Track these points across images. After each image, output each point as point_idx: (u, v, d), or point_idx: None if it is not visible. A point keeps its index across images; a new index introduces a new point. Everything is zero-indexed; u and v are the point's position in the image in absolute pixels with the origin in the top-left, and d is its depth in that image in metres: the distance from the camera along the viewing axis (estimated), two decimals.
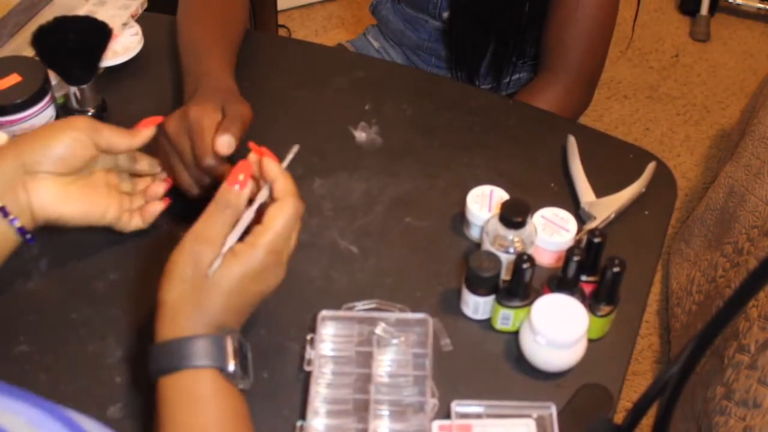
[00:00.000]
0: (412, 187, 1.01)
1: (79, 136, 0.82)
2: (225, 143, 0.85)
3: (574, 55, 1.22)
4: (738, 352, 1.30)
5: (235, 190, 0.73)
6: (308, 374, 0.80)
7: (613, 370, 0.84)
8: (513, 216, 0.84)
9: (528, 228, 0.86)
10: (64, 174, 0.82)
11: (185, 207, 0.87)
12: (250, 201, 0.75)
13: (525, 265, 0.80)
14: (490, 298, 0.85)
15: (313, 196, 0.97)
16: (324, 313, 0.84)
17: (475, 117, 1.10)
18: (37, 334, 0.84)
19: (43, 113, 0.98)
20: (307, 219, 0.96)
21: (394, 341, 0.83)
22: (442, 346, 0.85)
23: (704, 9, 2.67)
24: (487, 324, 0.87)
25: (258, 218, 0.74)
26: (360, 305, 0.87)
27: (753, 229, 1.60)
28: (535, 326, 0.79)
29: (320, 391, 0.79)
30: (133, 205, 0.90)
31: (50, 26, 0.95)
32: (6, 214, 0.79)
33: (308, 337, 0.82)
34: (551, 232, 0.90)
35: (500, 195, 0.93)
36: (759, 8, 2.73)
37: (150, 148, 0.89)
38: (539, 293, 0.84)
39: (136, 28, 1.15)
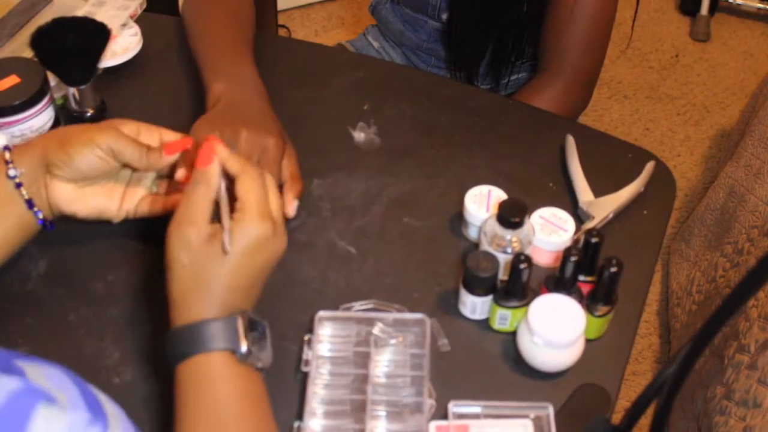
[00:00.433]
0: (410, 188, 1.01)
1: (103, 155, 0.82)
2: (295, 207, 0.93)
3: (572, 55, 1.22)
4: (738, 352, 1.30)
5: (200, 169, 0.74)
6: (306, 375, 0.80)
7: (611, 370, 0.84)
8: (511, 216, 0.84)
9: (526, 228, 0.86)
10: (82, 181, 0.84)
11: None
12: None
13: (522, 266, 0.80)
14: (488, 299, 0.85)
15: (311, 197, 0.97)
16: (321, 313, 0.84)
17: (474, 117, 1.10)
18: (35, 336, 0.85)
19: (42, 114, 0.98)
20: (305, 219, 0.96)
21: (392, 341, 0.83)
22: (439, 347, 0.85)
23: (704, 9, 2.66)
24: (484, 324, 0.87)
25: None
26: (357, 305, 0.87)
27: (753, 229, 1.60)
28: (532, 326, 0.79)
29: (317, 392, 0.79)
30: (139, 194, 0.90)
31: (49, 27, 0.95)
32: (32, 206, 0.82)
33: (306, 337, 0.83)
34: (549, 232, 0.90)
35: (498, 195, 0.93)
36: (759, 8, 2.73)
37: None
38: (537, 293, 0.84)
39: (135, 29, 1.15)
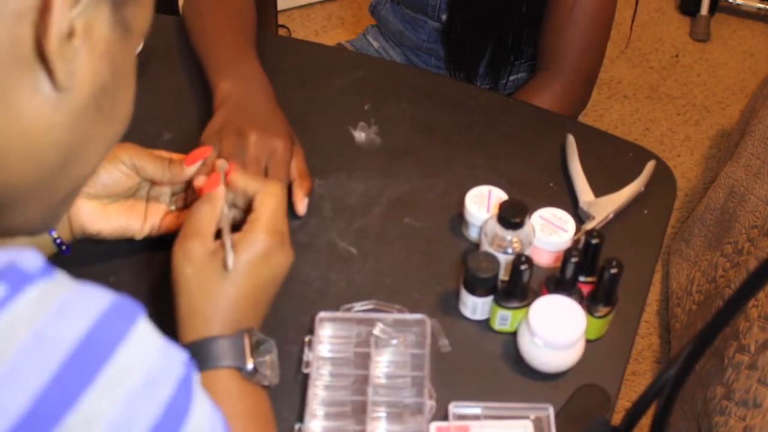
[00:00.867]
0: (411, 188, 1.01)
1: (126, 170, 0.83)
2: (306, 205, 0.95)
3: (571, 55, 1.22)
4: (738, 352, 1.30)
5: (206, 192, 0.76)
6: (306, 376, 0.80)
7: (611, 370, 0.84)
8: (511, 217, 0.84)
9: (526, 228, 0.86)
10: (106, 198, 0.84)
11: None
12: None
13: (523, 267, 0.80)
14: (489, 299, 0.85)
15: (312, 197, 0.97)
16: (322, 314, 0.84)
17: (474, 116, 1.10)
18: None
19: None
20: (306, 220, 0.96)
21: (393, 342, 0.83)
22: (440, 347, 0.85)
23: (704, 9, 2.66)
24: (485, 325, 0.87)
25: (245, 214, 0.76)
26: (358, 306, 0.87)
27: (753, 229, 1.60)
28: (533, 327, 0.79)
29: (318, 393, 0.79)
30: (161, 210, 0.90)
31: None
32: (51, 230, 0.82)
33: (306, 339, 0.82)
34: (549, 233, 0.90)
35: (499, 195, 0.93)
36: (759, 8, 2.73)
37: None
38: (537, 294, 0.84)
39: None
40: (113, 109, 0.54)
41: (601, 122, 2.39)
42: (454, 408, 0.78)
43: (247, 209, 0.78)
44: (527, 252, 0.85)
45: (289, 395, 0.81)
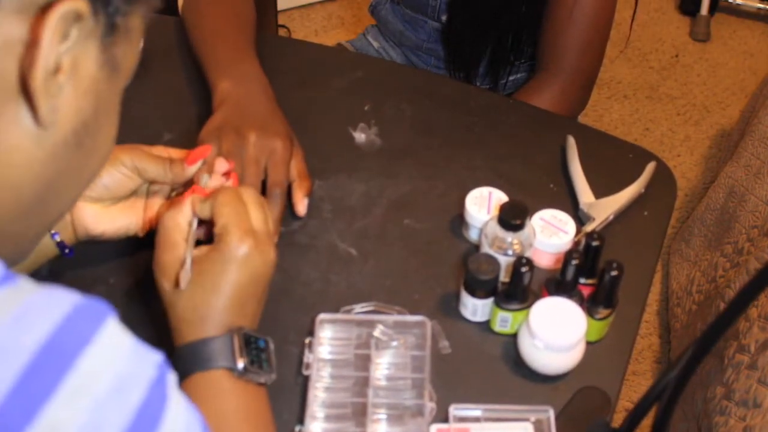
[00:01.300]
0: (411, 189, 1.01)
1: (128, 172, 0.83)
2: (305, 205, 0.95)
3: (570, 55, 1.22)
4: (738, 352, 1.30)
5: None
6: (306, 378, 0.80)
7: (611, 372, 0.84)
8: (512, 218, 0.84)
9: (527, 230, 0.86)
10: (108, 200, 0.84)
11: None
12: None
13: (524, 269, 0.80)
14: (489, 301, 0.85)
15: (311, 198, 0.97)
16: (322, 316, 0.84)
17: (474, 117, 1.10)
18: None
19: None
20: (306, 221, 0.96)
21: (393, 344, 0.83)
22: (440, 349, 0.85)
23: (704, 9, 2.66)
24: (485, 326, 0.87)
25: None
26: (358, 308, 0.87)
27: (753, 229, 1.60)
28: (533, 329, 0.79)
29: (318, 395, 0.79)
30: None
31: None
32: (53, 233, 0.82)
33: (306, 340, 0.82)
34: (550, 234, 0.89)
35: (499, 197, 0.93)
36: (759, 8, 2.73)
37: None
38: (538, 296, 0.84)
39: None
40: (93, 146, 0.53)
41: (601, 122, 2.39)
42: (454, 410, 0.78)
43: None
44: (527, 254, 0.85)
45: (289, 397, 0.80)
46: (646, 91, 2.51)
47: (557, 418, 0.78)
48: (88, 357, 0.45)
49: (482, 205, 0.92)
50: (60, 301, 0.47)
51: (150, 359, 0.49)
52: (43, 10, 0.45)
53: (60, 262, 0.86)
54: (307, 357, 0.81)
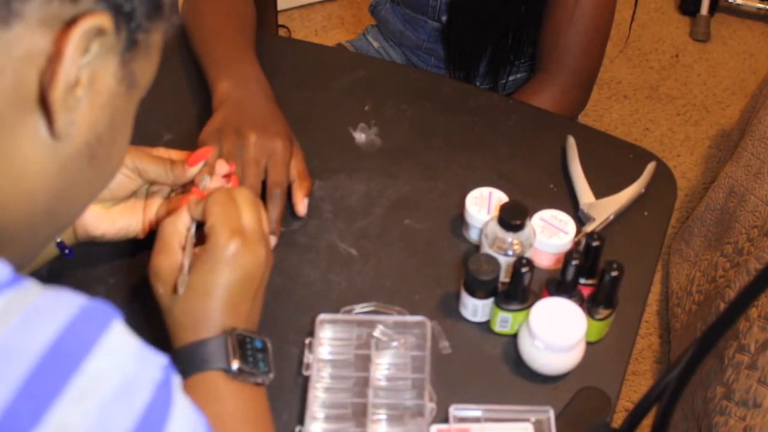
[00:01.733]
0: (411, 189, 1.01)
1: (128, 173, 0.83)
2: (306, 205, 0.96)
3: (570, 55, 1.22)
4: (738, 352, 1.30)
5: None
6: (307, 378, 0.80)
7: (611, 373, 0.84)
8: (512, 219, 0.84)
9: (527, 230, 0.86)
10: (109, 200, 0.84)
11: None
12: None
13: (524, 269, 0.80)
14: (489, 301, 0.85)
15: (312, 198, 0.97)
16: (322, 316, 0.84)
17: (474, 117, 1.10)
18: None
19: None
20: (306, 221, 0.96)
21: (393, 344, 0.83)
22: (440, 349, 0.85)
23: (704, 9, 2.66)
24: (485, 327, 0.87)
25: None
26: (358, 308, 0.87)
27: (753, 229, 1.60)
28: (533, 330, 0.79)
29: (318, 396, 0.79)
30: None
31: None
32: None
33: (306, 340, 0.82)
34: (550, 235, 0.89)
35: (499, 197, 0.93)
36: (759, 8, 2.73)
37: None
38: (538, 296, 0.84)
39: None
40: (106, 158, 0.54)
41: (601, 122, 2.39)
42: (454, 410, 0.78)
43: None
44: (528, 254, 0.85)
45: (289, 397, 0.80)
46: (646, 91, 2.51)
47: (557, 418, 0.78)
48: (95, 359, 0.45)
49: (482, 205, 0.92)
50: (66, 304, 0.47)
51: (155, 362, 0.49)
52: (68, 25, 0.45)
53: (60, 262, 0.86)
54: (307, 357, 0.81)
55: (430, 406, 0.78)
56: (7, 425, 0.43)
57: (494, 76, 1.37)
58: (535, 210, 0.91)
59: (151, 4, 0.50)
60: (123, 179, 0.83)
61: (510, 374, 0.84)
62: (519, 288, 0.82)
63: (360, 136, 1.06)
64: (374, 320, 0.84)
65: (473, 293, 0.84)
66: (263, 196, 0.91)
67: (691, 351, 0.50)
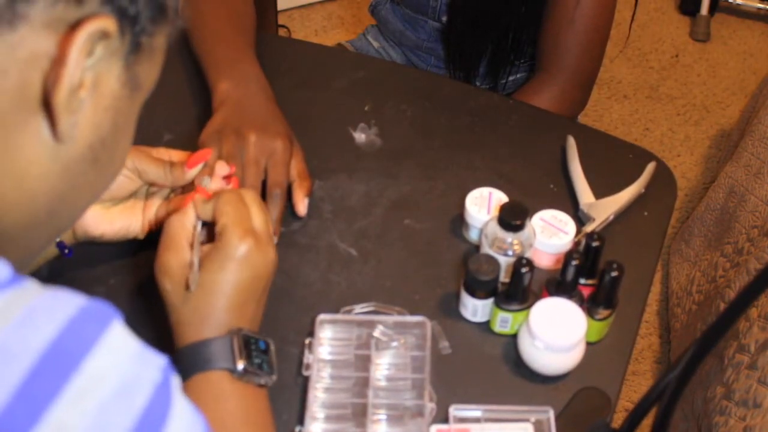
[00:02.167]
0: (411, 189, 1.01)
1: (128, 173, 0.83)
2: (306, 205, 0.95)
3: (570, 56, 1.22)
4: (738, 352, 1.30)
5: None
6: (306, 378, 0.80)
7: (611, 373, 0.84)
8: (512, 219, 0.84)
9: (527, 230, 0.86)
10: (108, 201, 0.84)
11: None
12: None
13: (524, 269, 0.80)
14: (489, 301, 0.85)
15: (312, 198, 0.97)
16: (322, 316, 0.84)
17: (474, 117, 1.10)
18: None
19: None
20: (306, 221, 0.96)
21: (393, 344, 0.83)
22: (440, 349, 0.85)
23: (704, 9, 2.66)
24: (485, 327, 0.87)
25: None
26: (358, 308, 0.87)
27: (753, 229, 1.60)
28: (533, 330, 0.79)
29: (318, 396, 0.79)
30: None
31: None
32: None
33: (306, 341, 0.82)
34: (550, 235, 0.89)
35: (499, 197, 0.93)
36: (759, 8, 2.73)
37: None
38: (538, 296, 0.84)
39: None
40: (108, 161, 0.54)
41: (601, 122, 2.39)
42: (454, 410, 0.78)
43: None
44: (528, 254, 0.85)
45: (289, 398, 0.80)
46: (646, 91, 2.51)
47: (557, 418, 0.78)
48: (94, 359, 0.45)
49: (482, 205, 0.92)
50: (66, 304, 0.47)
51: (155, 363, 0.49)
52: (72, 27, 0.45)
53: (60, 262, 0.86)
54: (307, 357, 0.81)
55: (430, 407, 0.78)
56: (5, 425, 0.43)
57: (494, 76, 1.37)
58: (535, 210, 0.91)
59: (156, 8, 0.51)
60: (122, 180, 0.83)
61: (510, 374, 0.84)
62: (519, 288, 0.82)
63: (360, 136, 1.06)
64: (374, 320, 0.84)
65: (473, 293, 0.84)
66: (263, 196, 0.92)
67: (691, 351, 0.50)
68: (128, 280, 0.90)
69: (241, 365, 0.69)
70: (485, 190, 0.94)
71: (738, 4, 2.73)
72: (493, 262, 0.83)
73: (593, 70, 1.26)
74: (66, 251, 0.84)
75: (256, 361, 0.71)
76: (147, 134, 0.97)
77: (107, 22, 0.46)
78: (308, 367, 0.81)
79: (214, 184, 0.82)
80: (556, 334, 0.79)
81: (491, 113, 1.11)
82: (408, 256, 0.94)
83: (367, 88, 1.13)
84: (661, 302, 1.98)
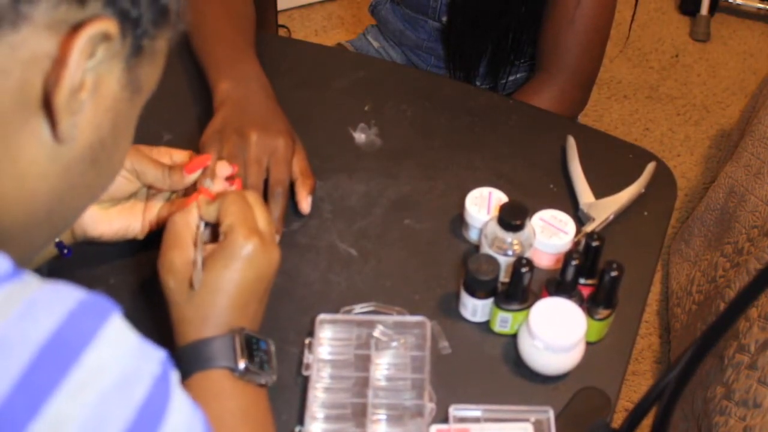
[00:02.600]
0: (411, 189, 1.01)
1: (127, 175, 0.83)
2: (309, 203, 0.95)
3: (570, 56, 1.22)
4: (738, 352, 1.30)
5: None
6: (306, 378, 0.80)
7: (611, 373, 0.84)
8: (511, 219, 0.84)
9: (527, 230, 0.86)
10: (107, 202, 0.84)
11: None
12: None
13: (524, 269, 0.80)
14: (489, 301, 0.85)
15: (312, 198, 0.97)
16: (322, 316, 0.84)
17: (474, 117, 1.10)
18: None
19: None
20: (306, 221, 0.96)
21: (393, 344, 0.83)
22: (440, 349, 0.85)
23: (704, 9, 2.66)
24: (485, 327, 0.87)
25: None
26: (358, 308, 0.87)
27: (753, 229, 1.60)
28: (533, 330, 0.79)
29: (318, 396, 0.79)
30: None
31: None
32: None
33: (306, 341, 0.82)
34: (550, 235, 0.89)
35: (499, 197, 0.93)
36: (759, 8, 2.73)
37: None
38: (538, 296, 0.84)
39: None
40: (108, 162, 0.54)
41: (601, 122, 2.39)
42: (454, 410, 0.78)
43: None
44: (527, 254, 0.85)
45: (289, 397, 0.80)
46: (646, 91, 2.51)
47: (557, 418, 0.78)
48: (93, 352, 0.46)
49: (482, 205, 0.92)
50: (65, 297, 0.47)
51: (154, 356, 0.49)
52: (74, 29, 0.45)
53: (59, 261, 0.86)
54: (307, 357, 0.81)
55: (429, 407, 0.78)
56: (5, 417, 0.43)
57: (494, 76, 1.37)
58: (535, 210, 0.91)
59: (158, 11, 0.51)
60: (121, 181, 0.83)
61: (510, 374, 0.84)
62: (519, 288, 0.82)
63: (360, 136, 1.06)
64: (374, 320, 0.84)
65: (473, 293, 0.84)
66: (266, 194, 0.92)
67: (691, 351, 0.50)
68: (128, 279, 0.90)
69: (242, 364, 0.69)
70: (485, 190, 0.94)
71: (738, 4, 2.73)
72: (493, 262, 0.83)
73: (593, 70, 1.26)
74: (65, 251, 0.84)
75: (257, 360, 0.71)
76: (147, 134, 0.97)
77: (109, 25, 0.46)
78: (308, 367, 0.81)
79: (217, 185, 0.82)
80: (555, 334, 0.79)
81: (491, 113, 1.11)
82: (408, 256, 0.94)
83: (367, 88, 1.13)
84: (661, 302, 1.98)
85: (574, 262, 0.80)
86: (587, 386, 0.82)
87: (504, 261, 0.85)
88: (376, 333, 0.83)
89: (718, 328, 0.49)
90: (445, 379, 0.82)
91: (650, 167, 1.01)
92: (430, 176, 1.02)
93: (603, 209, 0.96)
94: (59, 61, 0.45)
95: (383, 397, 0.79)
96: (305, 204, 0.95)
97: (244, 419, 0.70)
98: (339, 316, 0.85)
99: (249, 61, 1.03)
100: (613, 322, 0.86)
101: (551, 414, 0.78)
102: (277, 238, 0.91)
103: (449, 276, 0.91)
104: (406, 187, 1.01)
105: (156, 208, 0.87)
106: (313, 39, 2.55)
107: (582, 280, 0.85)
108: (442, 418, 0.79)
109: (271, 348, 0.74)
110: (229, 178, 0.84)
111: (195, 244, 0.73)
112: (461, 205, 0.94)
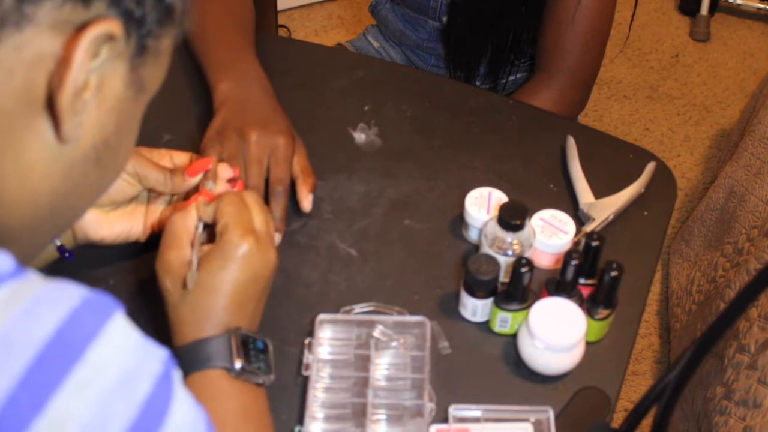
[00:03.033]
0: (411, 189, 1.01)
1: (129, 178, 0.83)
2: (311, 201, 0.95)
3: (569, 56, 1.22)
4: (738, 352, 1.30)
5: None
6: (306, 378, 0.80)
7: (611, 373, 0.84)
8: (511, 219, 0.84)
9: (526, 230, 0.86)
10: (108, 205, 0.84)
11: None
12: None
13: (524, 269, 0.80)
14: (489, 301, 0.85)
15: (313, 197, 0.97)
16: (322, 316, 0.84)
17: (474, 117, 1.10)
18: None
19: None
20: (306, 221, 0.96)
21: (393, 344, 0.83)
22: (440, 349, 0.85)
23: (704, 9, 2.66)
24: (485, 327, 0.87)
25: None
26: (358, 308, 0.87)
27: (753, 229, 1.60)
28: (533, 330, 0.79)
29: (318, 396, 0.79)
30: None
31: None
32: None
33: (306, 341, 0.82)
34: (550, 235, 0.89)
35: (499, 197, 0.93)
36: (759, 8, 2.73)
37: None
38: (538, 296, 0.84)
39: None
40: (111, 162, 0.54)
41: (601, 122, 2.39)
42: (454, 410, 0.78)
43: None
44: (527, 254, 0.85)
45: (288, 397, 0.80)
46: (646, 91, 2.51)
47: (557, 418, 0.78)
48: (96, 350, 0.46)
49: (482, 205, 0.92)
50: (68, 295, 0.47)
51: (156, 355, 0.50)
52: (78, 30, 0.45)
53: (61, 263, 0.86)
54: (307, 357, 0.81)
55: (429, 406, 0.78)
56: (8, 414, 0.43)
57: (494, 76, 1.37)
58: (535, 210, 0.91)
59: (163, 11, 0.51)
60: (122, 184, 0.83)
61: (510, 374, 0.84)
62: (519, 288, 0.82)
63: (360, 136, 1.06)
64: (374, 320, 0.84)
65: (473, 293, 0.84)
66: (267, 193, 0.92)
67: (691, 351, 0.50)
68: (129, 280, 0.90)
69: (238, 364, 0.69)
70: (485, 190, 0.94)
71: (738, 4, 2.73)
72: (493, 262, 0.83)
73: (593, 71, 1.27)
74: (66, 255, 0.84)
75: (254, 360, 0.71)
76: (147, 134, 0.96)
77: (113, 25, 0.46)
78: (308, 367, 0.81)
79: (219, 187, 0.82)
80: (555, 333, 0.79)
81: (491, 113, 1.11)
82: (408, 256, 0.94)
83: (367, 88, 1.13)
84: (661, 302, 1.98)
85: (574, 262, 0.80)
86: (587, 386, 0.82)
87: (504, 261, 0.85)
88: (376, 333, 0.83)
89: (718, 328, 0.49)
90: (445, 379, 0.82)
91: (650, 167, 1.01)
92: (430, 176, 1.02)
93: (603, 209, 0.96)
94: (63, 62, 0.45)
95: (383, 397, 0.79)
96: (306, 202, 0.95)
97: (242, 419, 0.70)
98: (339, 316, 0.85)
99: (249, 61, 1.03)
100: (613, 322, 0.86)
101: (551, 414, 0.78)
102: (279, 237, 0.91)
103: (449, 276, 0.91)
104: (406, 187, 1.01)
105: (157, 212, 0.87)
106: (313, 39, 2.56)
107: (582, 280, 0.85)
108: (442, 418, 0.79)
109: (269, 347, 0.74)
110: (231, 180, 0.84)
111: (192, 245, 0.73)
112: (461, 205, 0.94)
